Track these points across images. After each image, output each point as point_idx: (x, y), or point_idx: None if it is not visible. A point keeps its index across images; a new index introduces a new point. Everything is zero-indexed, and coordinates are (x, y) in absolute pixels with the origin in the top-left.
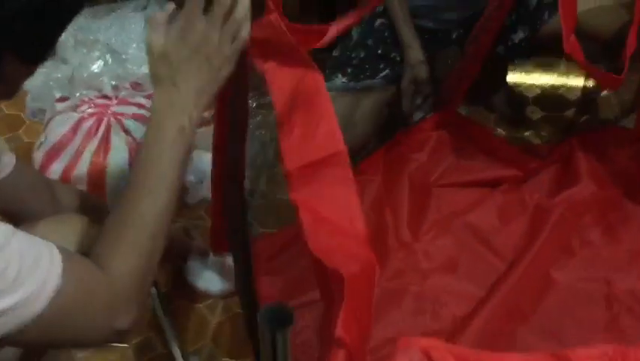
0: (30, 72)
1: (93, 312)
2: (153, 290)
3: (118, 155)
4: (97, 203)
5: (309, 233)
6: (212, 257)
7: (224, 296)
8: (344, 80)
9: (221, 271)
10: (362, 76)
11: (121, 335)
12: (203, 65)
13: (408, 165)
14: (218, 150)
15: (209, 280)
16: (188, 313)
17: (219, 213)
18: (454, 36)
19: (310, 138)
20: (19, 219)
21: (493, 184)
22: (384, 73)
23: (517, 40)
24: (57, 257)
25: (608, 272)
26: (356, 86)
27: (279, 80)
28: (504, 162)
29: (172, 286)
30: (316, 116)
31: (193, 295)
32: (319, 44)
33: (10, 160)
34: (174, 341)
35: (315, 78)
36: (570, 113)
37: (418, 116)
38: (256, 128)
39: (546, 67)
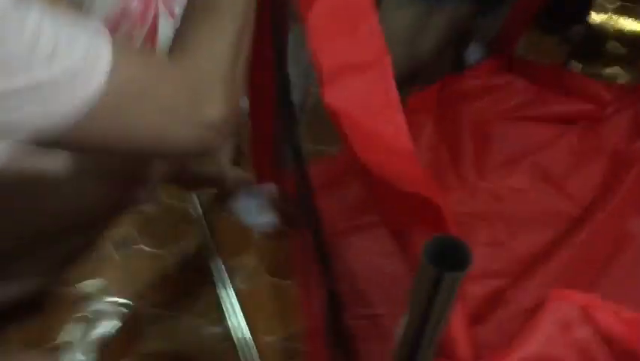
0: None
1: (171, 99)
2: (196, 200)
3: (166, 44)
4: None
5: (360, 149)
6: (258, 188)
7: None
8: None
9: (270, 203)
10: None
11: (211, 130)
12: None
13: (466, 102)
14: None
15: (261, 214)
16: (232, 226)
17: (261, 138)
18: None
19: (349, 38)
20: None
21: (567, 120)
22: None
23: None
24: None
25: None
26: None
27: None
28: (578, 95)
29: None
30: (356, 16)
31: None
32: None
33: None
34: (215, 254)
35: None
36: None
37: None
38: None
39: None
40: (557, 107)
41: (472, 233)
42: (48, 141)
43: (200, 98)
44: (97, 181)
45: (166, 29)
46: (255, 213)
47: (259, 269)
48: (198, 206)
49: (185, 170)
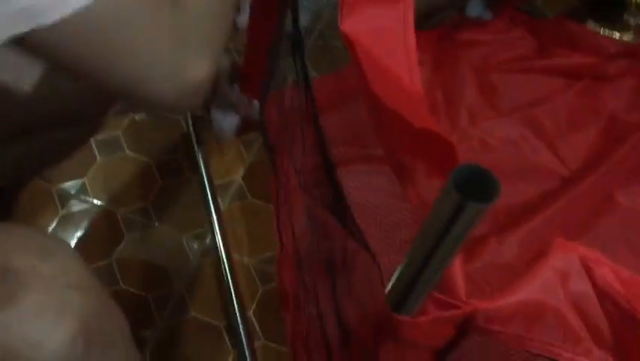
0: None
1: (157, 42)
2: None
3: None
4: None
5: (372, 79)
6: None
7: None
8: None
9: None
10: None
11: (190, 91)
12: None
13: (467, 49)
14: None
15: (225, 118)
16: (222, 146)
17: (255, 56)
18: None
19: None
20: None
21: (569, 74)
22: None
23: None
24: None
25: None
26: None
27: None
28: (581, 48)
29: None
30: None
31: None
32: None
33: None
34: (204, 169)
35: None
36: None
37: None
38: None
39: None
40: (559, 59)
41: None
42: (23, 36)
43: (187, 54)
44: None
45: None
46: (221, 117)
47: (243, 191)
48: (189, 120)
49: None
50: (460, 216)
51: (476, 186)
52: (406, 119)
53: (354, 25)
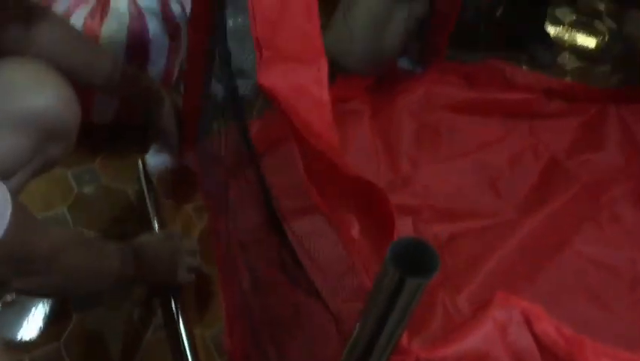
0: None
1: None
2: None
3: (117, 20)
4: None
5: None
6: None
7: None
8: None
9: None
10: None
11: None
12: None
13: (403, 95)
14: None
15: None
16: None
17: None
18: None
19: (289, 29)
20: None
21: (506, 113)
22: None
23: None
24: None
25: (635, 252)
26: None
27: None
28: (519, 86)
29: None
30: (302, 15)
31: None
32: None
33: None
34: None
35: None
36: (607, 68)
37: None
38: None
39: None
40: (495, 98)
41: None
42: None
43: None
44: None
45: (117, 6)
46: (152, 154)
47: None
48: (143, 182)
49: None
50: (401, 291)
51: (415, 259)
52: (339, 167)
53: (272, 80)
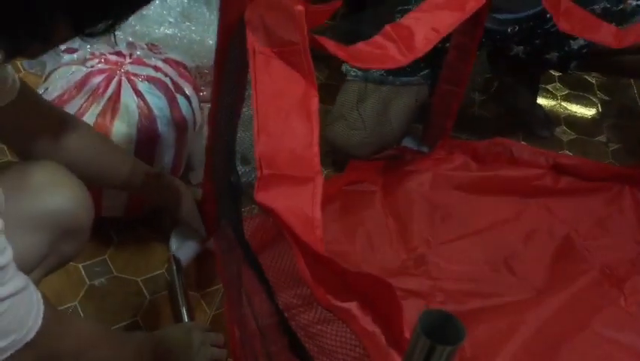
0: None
1: None
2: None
3: (127, 118)
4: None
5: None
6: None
7: None
8: (382, 72)
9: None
10: (401, 71)
11: None
12: None
13: (412, 175)
14: (213, 124)
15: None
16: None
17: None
18: (509, 31)
19: (289, 149)
20: (23, 155)
21: (516, 191)
22: (424, 72)
23: (576, 47)
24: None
25: None
26: (394, 81)
27: (271, 74)
28: (526, 163)
29: None
30: (303, 133)
31: None
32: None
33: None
34: None
35: (310, 94)
36: (602, 138)
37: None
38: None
39: (580, 98)
40: (503, 176)
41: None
42: None
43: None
44: None
45: (128, 105)
46: (178, 244)
47: None
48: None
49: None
50: (431, 357)
51: (442, 329)
52: (341, 266)
53: (270, 200)
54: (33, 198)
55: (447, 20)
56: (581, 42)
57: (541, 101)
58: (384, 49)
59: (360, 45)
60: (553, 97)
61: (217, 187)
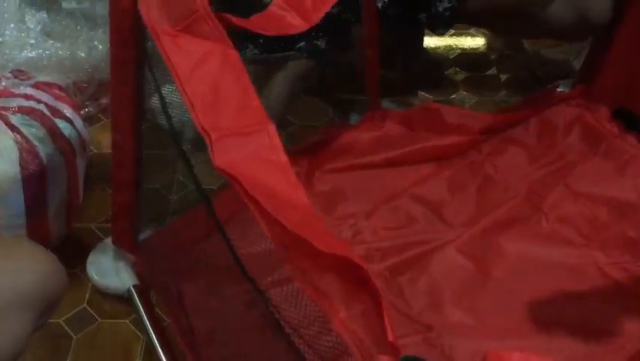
0: None
1: None
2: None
3: (6, 157)
4: None
5: (269, 206)
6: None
7: None
8: (255, 51)
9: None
10: (276, 47)
11: None
12: None
13: (343, 153)
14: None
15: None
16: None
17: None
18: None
19: (230, 110)
20: None
21: (442, 156)
22: (300, 44)
23: (441, 9)
24: None
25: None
26: (269, 59)
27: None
28: (455, 129)
29: None
30: (236, 91)
31: None
32: None
33: None
34: None
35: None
36: (493, 71)
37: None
38: None
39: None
40: (431, 144)
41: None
42: None
43: None
44: None
45: (4, 143)
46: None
47: None
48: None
49: None
50: None
51: None
52: (313, 245)
53: (227, 158)
54: (14, 280)
55: None
56: (446, 4)
57: (429, 43)
58: (281, 19)
59: (256, 17)
60: (440, 39)
61: (136, 196)
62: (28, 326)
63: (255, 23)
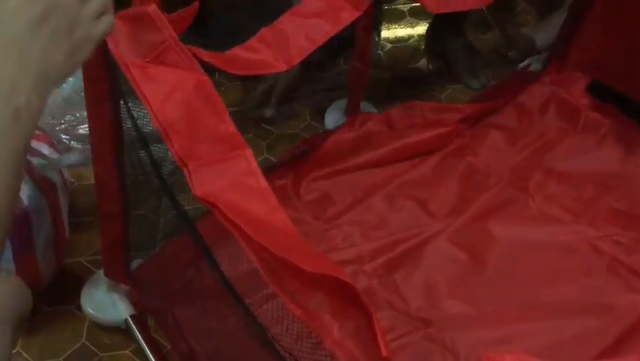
0: None
1: None
2: None
3: None
4: None
5: (253, 232)
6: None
7: None
8: None
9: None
10: None
11: None
12: (56, 37)
13: (327, 160)
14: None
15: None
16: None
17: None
18: None
19: (205, 137)
20: None
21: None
22: None
23: None
24: None
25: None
26: None
27: (155, 81)
28: (435, 124)
29: None
30: (211, 118)
31: None
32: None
33: None
34: None
35: (202, 80)
36: (422, 63)
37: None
38: None
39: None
40: (411, 140)
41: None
42: None
43: None
44: None
45: None
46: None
47: None
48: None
49: None
50: None
51: None
52: (300, 267)
53: (207, 187)
54: None
55: (322, 29)
56: None
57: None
58: (260, 53)
59: (237, 50)
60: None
61: (124, 226)
62: (9, 339)
63: (227, 61)
